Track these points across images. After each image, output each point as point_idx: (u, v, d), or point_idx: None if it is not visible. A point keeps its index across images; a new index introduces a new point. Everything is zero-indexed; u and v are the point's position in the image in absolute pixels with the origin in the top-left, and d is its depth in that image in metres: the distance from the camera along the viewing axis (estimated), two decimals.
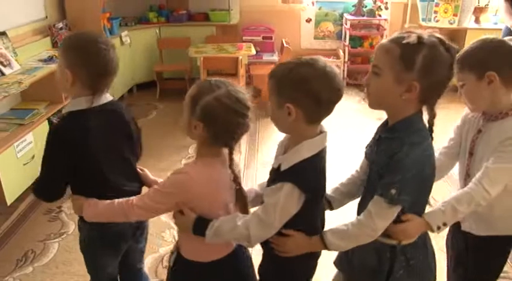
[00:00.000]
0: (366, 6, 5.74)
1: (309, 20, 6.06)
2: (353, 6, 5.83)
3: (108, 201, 1.57)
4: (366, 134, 4.17)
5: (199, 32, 5.56)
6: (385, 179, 1.40)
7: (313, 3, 5.98)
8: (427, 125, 1.45)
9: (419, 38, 1.36)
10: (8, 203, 3.19)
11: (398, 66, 1.36)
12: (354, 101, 5.35)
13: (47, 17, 4.49)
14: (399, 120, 1.43)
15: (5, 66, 3.58)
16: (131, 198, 1.52)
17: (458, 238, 1.87)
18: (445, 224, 1.53)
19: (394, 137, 1.42)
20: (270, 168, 1.66)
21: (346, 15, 5.83)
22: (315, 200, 1.53)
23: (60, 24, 4.53)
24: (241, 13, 5.86)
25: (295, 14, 5.99)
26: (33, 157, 3.44)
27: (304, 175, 1.45)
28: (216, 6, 5.79)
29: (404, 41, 1.35)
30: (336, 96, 1.47)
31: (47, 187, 1.70)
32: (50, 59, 3.95)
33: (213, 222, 1.46)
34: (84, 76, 1.60)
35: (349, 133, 4.44)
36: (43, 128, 3.60)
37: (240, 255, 1.59)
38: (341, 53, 5.82)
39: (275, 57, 5.61)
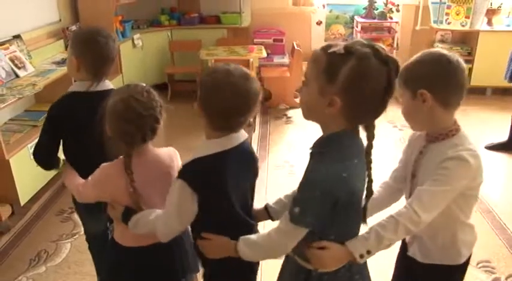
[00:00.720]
0: (377, 9, 5.73)
1: (319, 23, 6.07)
2: (364, 8, 5.82)
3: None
4: (377, 135, 4.15)
5: (210, 35, 5.59)
6: (296, 195, 1.30)
7: (323, 6, 5.98)
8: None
9: (348, 47, 1.19)
10: (22, 204, 3.24)
11: (322, 77, 1.22)
12: None
13: (60, 20, 4.54)
14: (326, 135, 1.31)
15: (19, 68, 3.63)
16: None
17: (404, 262, 1.75)
18: (369, 252, 1.35)
19: (318, 152, 1.31)
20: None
21: (357, 18, 5.83)
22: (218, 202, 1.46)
23: (74, 27, 4.57)
24: (252, 16, 5.89)
25: (305, 17, 6.00)
26: None
27: (194, 173, 1.41)
28: (228, 9, 5.81)
29: (330, 50, 1.20)
30: None
31: (39, 153, 1.98)
32: (63, 62, 3.99)
33: (137, 214, 1.54)
34: (86, 63, 1.88)
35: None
36: None
37: (161, 248, 1.60)
38: None
39: (286, 60, 5.63)
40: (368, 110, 1.27)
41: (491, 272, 2.61)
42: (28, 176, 3.29)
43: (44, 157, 1.99)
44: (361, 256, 1.34)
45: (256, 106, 1.45)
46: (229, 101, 1.38)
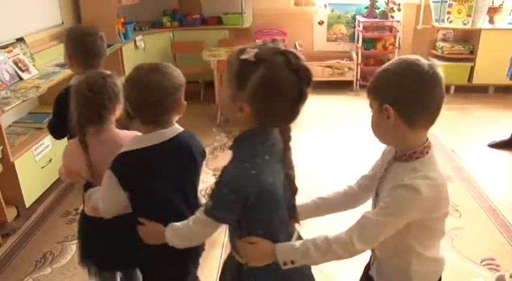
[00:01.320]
0: (378, 8, 5.73)
1: (321, 23, 6.07)
2: (365, 8, 5.83)
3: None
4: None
5: (212, 36, 5.61)
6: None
7: (325, 6, 5.99)
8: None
9: (258, 55, 1.18)
10: (27, 206, 3.25)
11: (233, 82, 1.23)
12: (367, 103, 5.29)
13: (63, 22, 4.56)
14: (239, 133, 1.31)
15: (23, 71, 3.65)
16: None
17: (364, 278, 1.64)
18: (293, 262, 1.32)
19: (233, 151, 1.33)
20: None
21: (358, 17, 5.83)
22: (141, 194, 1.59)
23: None
24: (254, 16, 5.91)
25: (307, 17, 6.01)
26: (50, 160, 3.50)
27: (121, 163, 1.54)
28: (229, 10, 5.82)
29: (241, 57, 1.20)
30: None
31: (51, 126, 2.33)
32: (66, 64, 4.01)
33: (91, 189, 1.75)
34: (77, 60, 2.17)
35: (362, 134, 4.43)
36: None
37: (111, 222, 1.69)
38: (354, 55, 5.83)
39: None
40: (278, 117, 1.27)
41: (495, 270, 2.61)
42: (33, 178, 3.31)
43: (55, 130, 2.32)
44: (285, 263, 1.32)
45: (177, 104, 1.56)
46: (142, 98, 1.50)
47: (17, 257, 2.82)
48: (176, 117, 1.61)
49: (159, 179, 1.56)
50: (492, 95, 5.59)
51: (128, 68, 4.91)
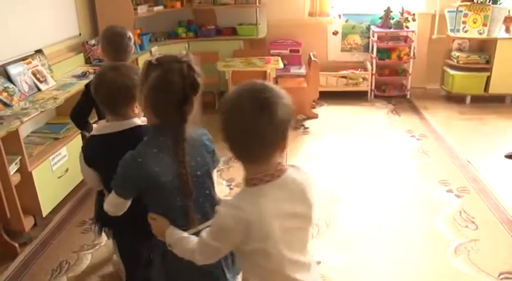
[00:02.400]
0: (393, 18, 5.72)
1: (335, 33, 6.08)
2: (380, 18, 5.82)
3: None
4: (395, 145, 4.22)
5: (227, 46, 5.64)
6: None
7: (339, 16, 5.99)
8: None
9: (159, 60, 1.49)
10: (44, 215, 3.29)
11: (141, 78, 1.54)
12: (382, 113, 5.33)
13: (80, 34, 4.63)
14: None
15: (41, 82, 3.71)
16: None
17: None
18: (170, 246, 1.49)
19: None
20: None
21: (373, 28, 5.83)
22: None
23: (93, 41, 4.66)
24: (268, 27, 5.93)
25: (322, 27, 6.02)
26: (67, 170, 3.55)
27: (86, 147, 1.94)
28: (244, 21, 5.87)
29: (148, 59, 1.54)
30: None
31: (74, 115, 2.64)
32: (83, 75, 4.07)
33: None
34: (108, 53, 2.66)
35: (377, 144, 4.42)
36: (77, 142, 3.70)
37: None
38: (368, 65, 5.82)
39: (302, 70, 5.64)
40: (166, 114, 1.50)
41: None
42: (50, 188, 3.35)
43: (76, 118, 2.66)
44: (169, 245, 1.50)
45: (129, 101, 1.79)
46: (100, 92, 1.83)
47: (34, 266, 2.85)
48: (134, 113, 1.85)
49: (111, 161, 1.60)
50: (509, 105, 5.54)
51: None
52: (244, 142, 1.24)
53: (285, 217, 1.28)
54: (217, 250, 1.34)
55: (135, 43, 4.90)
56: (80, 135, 3.75)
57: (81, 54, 4.56)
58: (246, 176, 1.29)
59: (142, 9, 5.25)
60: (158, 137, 1.54)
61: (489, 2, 5.40)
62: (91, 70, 4.21)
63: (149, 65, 1.51)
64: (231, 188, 3.63)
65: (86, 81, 3.89)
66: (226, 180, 3.78)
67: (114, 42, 2.63)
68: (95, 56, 4.60)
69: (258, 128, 1.20)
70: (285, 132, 1.25)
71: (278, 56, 5.42)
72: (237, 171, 3.89)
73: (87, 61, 4.57)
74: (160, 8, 5.60)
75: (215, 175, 1.76)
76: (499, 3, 5.39)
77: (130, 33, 2.71)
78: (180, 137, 1.51)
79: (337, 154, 4.26)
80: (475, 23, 5.45)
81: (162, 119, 1.52)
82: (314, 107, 5.41)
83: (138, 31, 5.16)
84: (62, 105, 3.50)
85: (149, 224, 1.59)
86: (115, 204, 1.66)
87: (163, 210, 1.56)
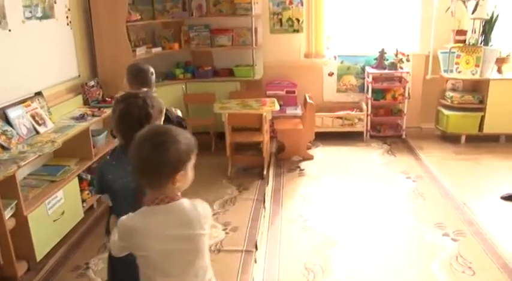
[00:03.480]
0: (387, 60, 5.83)
1: (331, 74, 6.17)
2: (374, 59, 5.93)
3: None
4: (391, 187, 4.24)
5: (223, 88, 5.71)
6: None
7: (335, 58, 6.10)
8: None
9: (123, 96, 2.03)
10: (38, 259, 3.26)
11: (112, 111, 2.01)
12: (378, 154, 5.36)
13: (79, 75, 4.69)
14: None
15: (40, 125, 3.74)
16: None
17: None
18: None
19: None
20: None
21: (368, 69, 5.92)
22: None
23: (92, 82, 4.73)
24: (264, 68, 6.02)
25: (317, 68, 6.12)
26: (63, 213, 3.54)
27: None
28: (241, 62, 5.96)
29: (116, 95, 2.18)
30: None
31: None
32: (81, 117, 4.11)
33: None
34: (132, 86, 2.98)
35: (373, 186, 4.43)
36: (73, 185, 3.72)
37: None
38: (364, 105, 5.89)
39: (298, 111, 5.70)
40: (128, 136, 1.73)
41: None
42: (45, 232, 3.33)
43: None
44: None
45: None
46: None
47: None
48: None
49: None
50: (504, 145, 5.58)
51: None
52: (143, 172, 1.54)
53: (166, 237, 1.55)
54: (122, 248, 1.65)
55: None
56: (76, 178, 3.79)
57: (80, 96, 4.61)
58: (146, 197, 1.59)
59: (141, 51, 5.35)
60: (122, 153, 1.88)
61: (481, 43, 5.51)
62: (89, 112, 4.26)
63: (116, 101, 2.02)
64: (226, 232, 3.62)
65: (85, 124, 3.96)
66: (222, 224, 3.76)
67: (138, 77, 3.07)
68: (94, 98, 4.66)
69: (152, 163, 1.50)
70: (177, 168, 1.52)
71: (274, 97, 5.47)
72: (234, 214, 3.90)
73: (86, 102, 4.62)
74: (158, 49, 5.70)
75: None
76: (490, 44, 5.50)
77: (152, 69, 3.20)
78: None
79: (332, 196, 4.25)
80: (467, 64, 5.55)
81: (126, 140, 1.87)
82: (310, 148, 5.44)
83: None
84: (59, 147, 3.52)
85: None
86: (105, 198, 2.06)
87: (117, 211, 1.82)
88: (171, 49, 5.77)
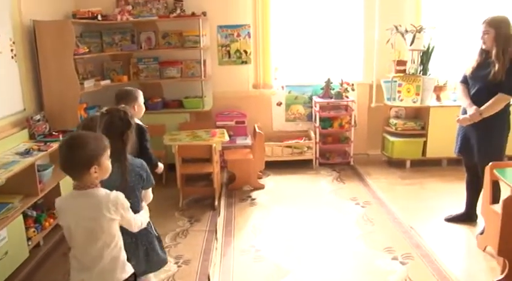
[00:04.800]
0: (333, 89, 6.01)
1: (279, 104, 6.30)
2: (321, 89, 6.10)
3: None
4: (341, 214, 4.32)
5: (173, 119, 5.71)
6: None
7: (283, 88, 6.23)
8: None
9: (108, 110, 2.45)
10: None
11: (99, 122, 2.43)
12: (327, 181, 5.46)
13: (25, 109, 4.57)
14: None
15: None
16: None
17: None
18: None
19: None
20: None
21: (315, 98, 6.08)
22: None
23: (38, 116, 4.62)
24: (214, 99, 6.08)
25: (266, 98, 6.22)
26: (6, 252, 3.39)
27: None
28: (190, 94, 6.00)
29: (101, 110, 2.49)
30: None
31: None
32: (26, 152, 3.99)
33: None
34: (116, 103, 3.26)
35: (323, 213, 4.50)
36: (18, 223, 3.58)
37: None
38: (312, 134, 6.03)
39: (248, 141, 5.76)
40: (112, 142, 2.18)
41: None
42: None
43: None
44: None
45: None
46: None
47: None
48: None
49: None
50: (446, 168, 5.82)
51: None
52: (65, 168, 2.04)
53: (80, 216, 2.03)
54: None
55: (81, 118, 4.93)
56: (21, 215, 3.66)
57: (26, 130, 4.48)
58: (74, 184, 2.08)
59: (89, 84, 5.29)
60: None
61: (420, 73, 5.78)
62: (35, 147, 4.15)
63: (102, 113, 2.45)
64: (179, 266, 3.57)
65: (30, 159, 3.84)
66: (174, 257, 3.71)
67: (119, 95, 3.45)
68: (40, 132, 4.55)
69: (69, 161, 2.01)
70: (90, 163, 2.00)
71: (224, 127, 5.53)
72: (186, 247, 3.86)
73: (32, 137, 4.50)
74: (107, 82, 5.67)
75: (148, 192, 2.65)
76: (428, 74, 5.78)
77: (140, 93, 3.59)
78: (122, 157, 2.37)
79: (284, 226, 4.28)
80: (408, 92, 5.80)
81: (111, 145, 2.15)
82: (260, 178, 5.49)
83: (84, 105, 5.16)
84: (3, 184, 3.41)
85: None
86: None
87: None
88: (120, 81, 5.74)
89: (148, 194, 2.64)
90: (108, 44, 5.90)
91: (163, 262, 2.66)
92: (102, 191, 2.05)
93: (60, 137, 4.41)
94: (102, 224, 2.02)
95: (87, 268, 2.05)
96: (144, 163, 2.56)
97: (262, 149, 5.28)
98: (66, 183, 4.32)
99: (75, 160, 1.98)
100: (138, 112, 3.49)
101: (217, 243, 3.94)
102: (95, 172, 2.01)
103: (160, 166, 3.66)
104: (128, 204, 2.13)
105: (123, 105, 2.57)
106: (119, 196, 2.07)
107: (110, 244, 2.06)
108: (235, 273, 3.44)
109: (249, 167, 5.20)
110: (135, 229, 2.26)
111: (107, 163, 2.07)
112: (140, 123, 3.48)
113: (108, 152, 2.09)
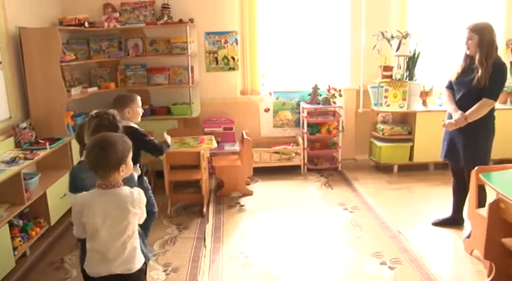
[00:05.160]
0: (320, 95, 6.04)
1: (267, 110, 6.31)
2: (309, 95, 6.12)
3: None
4: (329, 219, 4.34)
5: (161, 126, 5.65)
6: None
7: (270, 94, 6.25)
8: None
9: (97, 113, 2.68)
10: None
11: (88, 124, 2.68)
12: (315, 187, 5.48)
13: (10, 117, 4.53)
14: None
15: None
16: None
17: None
18: None
19: None
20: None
21: (302, 104, 6.11)
22: None
23: (24, 124, 4.58)
24: (202, 106, 6.08)
25: (254, 105, 6.24)
26: None
27: None
28: (178, 100, 5.99)
29: (91, 113, 2.70)
30: None
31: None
32: (12, 161, 3.95)
33: None
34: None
35: (312, 219, 4.51)
36: (3, 232, 3.54)
37: None
38: (300, 140, 6.05)
39: (236, 147, 5.76)
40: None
41: None
42: None
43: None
44: None
45: None
46: None
47: None
48: None
49: None
50: (432, 172, 5.87)
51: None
52: (97, 168, 2.19)
53: (107, 214, 2.18)
54: (77, 226, 2.27)
55: (68, 126, 4.91)
56: (7, 225, 3.62)
57: (11, 138, 4.44)
58: (97, 183, 2.22)
59: (76, 91, 5.26)
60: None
61: (406, 78, 5.83)
62: (21, 155, 4.11)
63: (91, 116, 2.67)
64: (167, 274, 3.55)
65: (16, 168, 3.81)
66: (163, 265, 3.69)
67: (114, 102, 3.66)
68: (26, 140, 4.52)
69: (101, 161, 2.17)
70: (120, 163, 2.18)
71: (212, 134, 5.52)
72: (174, 255, 3.85)
73: (18, 145, 4.46)
74: (94, 89, 5.64)
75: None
76: (414, 79, 5.84)
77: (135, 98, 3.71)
78: None
79: (273, 232, 4.28)
80: (395, 97, 5.85)
81: None
82: (249, 184, 5.49)
83: (71, 113, 5.13)
84: None
85: None
86: None
87: None
88: (108, 88, 5.72)
89: None
90: (96, 51, 5.88)
91: (146, 258, 2.66)
92: (126, 189, 2.23)
93: (47, 145, 4.37)
94: (129, 219, 2.21)
95: (110, 260, 2.21)
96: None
97: (250, 156, 5.29)
98: (54, 191, 4.29)
99: (107, 160, 2.15)
100: (131, 116, 3.60)
101: (206, 250, 3.92)
102: (122, 171, 2.20)
103: (167, 140, 3.90)
104: (145, 200, 2.33)
105: (112, 110, 2.75)
106: (141, 193, 2.28)
107: (133, 235, 2.26)
108: (224, 280, 3.44)
109: (237, 173, 5.20)
110: (142, 222, 2.38)
111: (130, 162, 2.28)
112: (134, 126, 3.60)
113: (131, 152, 2.29)
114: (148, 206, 3.43)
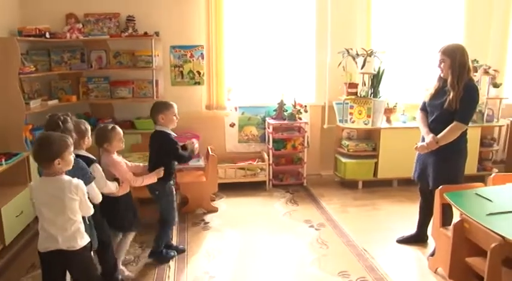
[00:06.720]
0: (286, 110, 6.04)
1: (232, 125, 6.27)
2: (274, 110, 6.12)
3: None
4: (295, 237, 4.31)
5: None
6: None
7: (236, 109, 6.21)
8: None
9: (50, 115, 3.10)
10: None
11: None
12: (281, 203, 5.44)
13: None
14: None
15: None
16: None
17: None
18: None
19: None
20: None
21: (268, 120, 6.09)
22: None
23: None
24: None
25: (219, 120, 6.18)
26: None
27: None
28: (142, 114, 5.86)
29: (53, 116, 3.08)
30: None
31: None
32: None
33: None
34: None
35: (277, 237, 4.46)
36: None
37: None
38: (265, 155, 6.01)
39: (201, 163, 5.66)
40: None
41: None
42: None
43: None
44: None
45: None
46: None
47: None
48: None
49: None
50: (396, 188, 5.93)
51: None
52: (37, 160, 2.65)
53: (47, 194, 2.62)
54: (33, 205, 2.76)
55: (26, 140, 4.73)
56: None
57: None
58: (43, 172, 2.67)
59: (35, 104, 5.09)
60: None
61: (371, 95, 5.89)
62: None
63: (50, 116, 3.13)
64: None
65: None
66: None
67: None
68: None
69: (39, 155, 2.62)
70: (53, 158, 2.56)
71: None
72: (137, 275, 3.73)
73: None
74: (55, 101, 5.48)
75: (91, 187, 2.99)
76: (379, 96, 5.91)
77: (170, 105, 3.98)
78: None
79: (238, 250, 4.21)
80: (360, 114, 5.90)
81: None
82: (214, 200, 5.42)
83: (30, 127, 4.94)
84: None
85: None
86: None
87: None
88: (69, 101, 5.57)
89: (93, 188, 3.04)
90: (57, 63, 5.71)
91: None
92: (67, 177, 2.64)
93: (3, 161, 4.19)
94: (65, 203, 2.60)
95: (53, 236, 2.62)
96: (81, 163, 2.97)
97: (215, 172, 5.22)
98: (9, 209, 4.11)
99: (42, 154, 2.60)
100: (165, 122, 3.90)
101: (170, 270, 3.81)
102: (59, 164, 2.58)
103: (192, 146, 4.12)
104: (85, 190, 2.72)
105: (68, 113, 3.25)
106: (79, 182, 2.66)
107: (73, 218, 2.65)
108: None
109: (202, 189, 5.12)
110: (86, 213, 2.79)
111: (69, 157, 2.64)
112: (167, 131, 3.95)
113: (71, 149, 2.65)
114: (165, 213, 3.94)
